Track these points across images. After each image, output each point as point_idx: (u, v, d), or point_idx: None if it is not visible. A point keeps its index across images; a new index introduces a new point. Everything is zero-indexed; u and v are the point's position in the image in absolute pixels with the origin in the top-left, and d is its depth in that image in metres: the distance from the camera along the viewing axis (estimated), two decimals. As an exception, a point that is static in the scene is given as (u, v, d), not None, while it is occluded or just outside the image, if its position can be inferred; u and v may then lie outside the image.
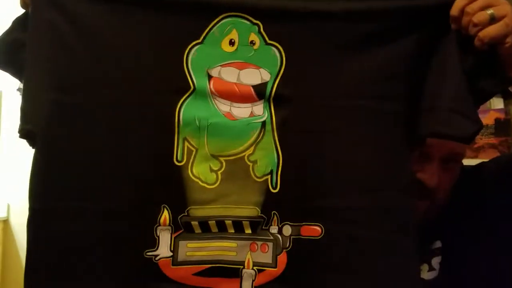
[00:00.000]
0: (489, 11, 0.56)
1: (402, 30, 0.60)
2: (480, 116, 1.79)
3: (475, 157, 1.78)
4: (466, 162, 0.85)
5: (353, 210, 0.59)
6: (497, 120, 1.76)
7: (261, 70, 0.60)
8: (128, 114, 0.60)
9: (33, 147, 0.63)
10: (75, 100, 0.60)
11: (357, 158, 0.60)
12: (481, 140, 1.71)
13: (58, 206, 0.60)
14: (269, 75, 0.60)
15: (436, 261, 0.75)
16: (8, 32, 0.64)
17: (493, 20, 0.56)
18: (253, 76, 0.60)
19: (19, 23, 0.64)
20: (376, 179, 0.60)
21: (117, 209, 0.59)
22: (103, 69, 0.60)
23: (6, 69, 0.66)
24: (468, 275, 0.73)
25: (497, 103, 1.84)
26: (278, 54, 0.60)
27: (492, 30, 0.55)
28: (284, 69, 0.60)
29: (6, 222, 3.32)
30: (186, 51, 0.59)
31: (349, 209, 0.59)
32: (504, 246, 0.71)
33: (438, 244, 0.76)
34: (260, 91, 0.60)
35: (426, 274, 0.75)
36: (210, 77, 0.60)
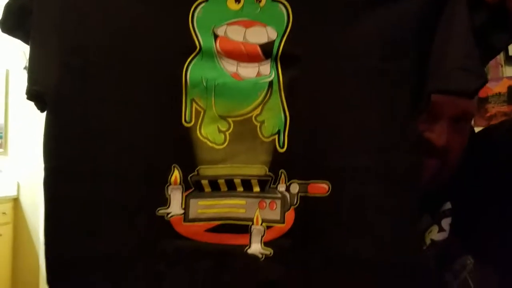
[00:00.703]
0: None
1: None
2: (493, 84, 1.77)
3: (487, 125, 1.76)
4: (478, 131, 0.84)
5: (359, 169, 0.59)
6: (510, 88, 1.73)
7: (268, 28, 0.59)
8: (136, 75, 0.59)
9: (41, 110, 0.62)
10: (83, 62, 0.60)
11: (364, 118, 0.60)
12: (494, 108, 1.68)
13: (71, 165, 0.60)
14: (276, 34, 0.59)
15: (446, 222, 0.74)
16: None
17: None
18: (259, 35, 0.59)
19: None
20: (384, 139, 0.60)
21: (129, 169, 0.59)
22: (111, 30, 0.59)
23: (13, 33, 0.65)
24: (478, 235, 0.72)
25: (510, 71, 1.80)
26: (285, 11, 0.58)
27: None
28: (291, 27, 0.59)
29: (16, 200, 3.36)
30: (192, 10, 0.58)
31: (356, 168, 0.59)
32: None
33: (448, 205, 0.75)
34: (267, 50, 0.59)
35: (436, 235, 0.74)
36: (216, 36, 0.59)
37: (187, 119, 0.59)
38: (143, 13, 0.59)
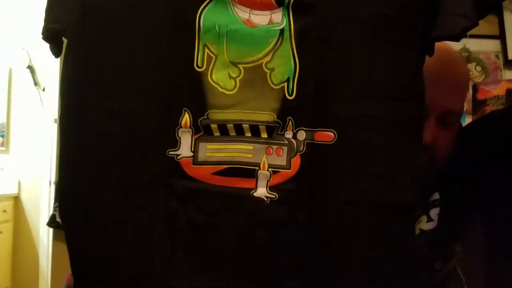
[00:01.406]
0: None
1: None
2: (492, 86, 1.77)
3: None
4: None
5: (366, 116, 0.60)
6: (508, 90, 1.73)
7: None
8: (151, 19, 0.61)
9: (56, 55, 0.65)
10: (102, 3, 0.62)
11: (374, 66, 0.61)
12: (492, 109, 1.69)
13: (88, 101, 0.62)
14: None
15: (434, 212, 0.75)
16: None
17: None
18: None
19: None
20: (392, 88, 0.61)
21: (142, 110, 0.61)
22: None
23: None
24: (467, 224, 0.73)
25: (509, 74, 1.81)
26: None
27: None
28: None
29: (17, 198, 3.37)
30: None
31: (362, 116, 0.60)
32: (500, 196, 0.71)
33: (436, 196, 0.76)
34: None
35: (425, 225, 0.75)
36: None
37: (199, 64, 0.60)
38: None
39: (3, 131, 3.42)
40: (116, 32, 0.61)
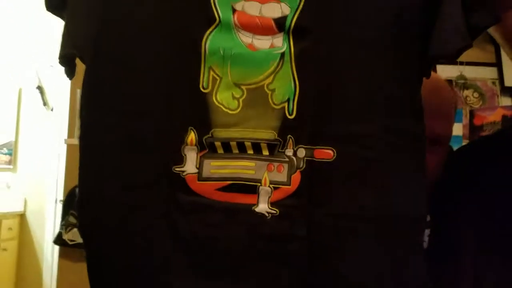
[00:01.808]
0: None
1: None
2: (488, 113, 1.81)
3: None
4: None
5: (366, 135, 0.63)
6: (504, 117, 1.78)
7: (282, 4, 0.64)
8: (162, 42, 0.65)
9: (70, 77, 0.69)
10: (117, 28, 0.66)
11: (372, 84, 0.64)
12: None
13: (106, 121, 0.66)
14: (289, 9, 0.64)
15: (425, 233, 0.76)
16: None
17: None
18: (274, 10, 0.64)
19: None
20: (391, 106, 0.64)
21: (155, 129, 0.64)
22: (142, 3, 0.66)
23: (57, 13, 0.71)
24: (457, 243, 0.76)
25: (506, 100, 1.86)
26: None
27: None
28: (304, 4, 0.64)
29: (23, 216, 3.40)
30: None
31: (362, 134, 0.63)
32: (488, 218, 0.74)
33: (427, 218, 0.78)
34: (280, 23, 0.64)
35: None
36: (234, 10, 0.64)
37: (204, 85, 0.64)
38: None
39: (11, 150, 3.47)
40: (129, 53, 0.65)
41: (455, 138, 1.60)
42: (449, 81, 1.82)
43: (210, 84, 0.64)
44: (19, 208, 3.39)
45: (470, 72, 1.80)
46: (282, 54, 0.64)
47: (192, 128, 0.63)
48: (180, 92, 0.64)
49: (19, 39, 3.50)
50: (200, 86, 0.64)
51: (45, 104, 3.47)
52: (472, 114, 1.74)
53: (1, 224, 3.11)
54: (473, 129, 1.61)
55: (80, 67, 0.68)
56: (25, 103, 3.51)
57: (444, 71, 1.79)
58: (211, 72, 0.64)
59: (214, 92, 0.63)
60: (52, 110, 3.43)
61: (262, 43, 0.64)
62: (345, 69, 0.64)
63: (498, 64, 1.84)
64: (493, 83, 1.90)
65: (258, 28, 0.64)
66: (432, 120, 0.76)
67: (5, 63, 3.48)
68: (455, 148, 0.88)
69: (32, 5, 3.44)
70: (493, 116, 1.82)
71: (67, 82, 3.02)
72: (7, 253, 3.16)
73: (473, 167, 0.78)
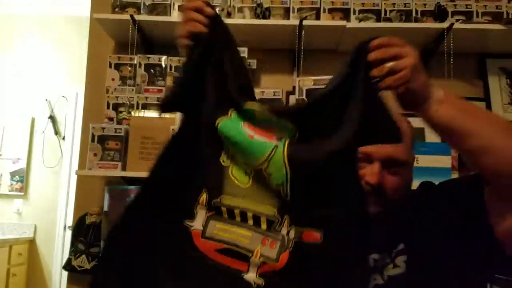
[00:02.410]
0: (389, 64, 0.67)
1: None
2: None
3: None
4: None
5: (340, 217, 0.72)
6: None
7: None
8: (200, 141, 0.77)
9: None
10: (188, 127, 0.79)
11: (339, 186, 0.73)
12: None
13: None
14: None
15: (400, 259, 0.84)
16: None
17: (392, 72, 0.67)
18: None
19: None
20: (349, 202, 0.74)
21: (179, 184, 0.75)
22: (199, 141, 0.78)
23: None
24: (433, 269, 0.82)
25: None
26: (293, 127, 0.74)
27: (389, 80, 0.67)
28: (298, 134, 0.74)
29: (32, 242, 3.46)
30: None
31: (342, 218, 0.72)
32: (460, 245, 0.79)
33: (401, 246, 0.85)
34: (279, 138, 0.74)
35: (391, 271, 0.84)
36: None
37: (224, 161, 0.74)
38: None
39: (23, 177, 3.55)
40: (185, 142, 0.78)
41: (445, 170, 1.69)
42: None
43: (229, 161, 0.74)
44: (29, 234, 3.45)
45: (460, 107, 1.87)
46: (276, 145, 0.71)
47: (206, 190, 0.73)
48: (207, 163, 0.75)
49: (32, 72, 3.63)
50: (221, 160, 0.74)
51: (56, 133, 3.58)
52: (461, 147, 1.80)
53: (12, 249, 3.15)
54: (462, 161, 1.68)
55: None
56: (38, 132, 3.61)
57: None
58: (230, 151, 0.74)
59: (230, 167, 0.74)
60: (63, 138, 3.56)
61: (262, 138, 0.72)
62: (324, 162, 0.71)
63: (486, 99, 1.91)
64: (482, 117, 1.97)
65: (261, 133, 0.73)
66: (394, 146, 0.85)
67: (19, 93, 3.61)
68: (443, 179, 0.93)
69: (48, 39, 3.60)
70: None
71: (79, 112, 3.13)
72: (17, 278, 3.21)
73: (428, 203, 0.86)
